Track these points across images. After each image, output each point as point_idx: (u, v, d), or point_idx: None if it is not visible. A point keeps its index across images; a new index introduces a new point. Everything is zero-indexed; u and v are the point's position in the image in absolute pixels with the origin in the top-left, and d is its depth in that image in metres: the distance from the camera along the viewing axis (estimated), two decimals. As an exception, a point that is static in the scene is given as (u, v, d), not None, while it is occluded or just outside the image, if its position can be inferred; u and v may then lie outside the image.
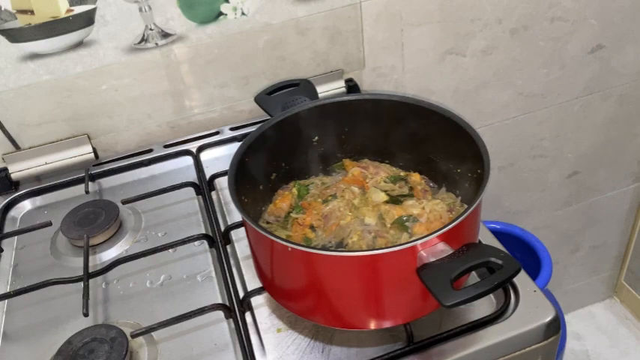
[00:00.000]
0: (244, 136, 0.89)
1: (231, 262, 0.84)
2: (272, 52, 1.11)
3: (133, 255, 0.85)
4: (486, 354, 0.70)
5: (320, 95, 0.91)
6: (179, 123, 1.14)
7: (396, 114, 0.82)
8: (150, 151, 1.10)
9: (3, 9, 0.93)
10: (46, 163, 1.07)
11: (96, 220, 0.92)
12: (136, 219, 0.96)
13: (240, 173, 0.73)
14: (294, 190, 0.85)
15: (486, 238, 0.84)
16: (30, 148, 1.06)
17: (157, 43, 1.03)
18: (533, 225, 1.66)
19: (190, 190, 0.98)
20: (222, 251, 0.85)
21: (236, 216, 0.91)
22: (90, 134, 1.09)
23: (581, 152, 1.58)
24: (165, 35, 1.03)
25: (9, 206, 1.03)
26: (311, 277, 0.65)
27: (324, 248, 0.75)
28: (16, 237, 0.96)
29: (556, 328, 0.72)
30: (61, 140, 1.07)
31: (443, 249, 0.59)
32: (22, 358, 0.77)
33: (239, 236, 0.87)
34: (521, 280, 0.76)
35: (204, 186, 0.98)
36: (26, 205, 1.04)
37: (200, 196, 0.98)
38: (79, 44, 0.99)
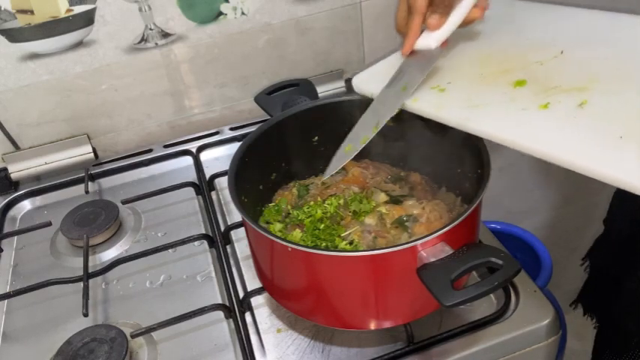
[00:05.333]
0: (244, 136, 0.89)
1: (231, 262, 0.84)
2: (272, 52, 1.11)
3: (133, 255, 0.85)
4: (486, 354, 0.70)
5: (320, 95, 0.91)
6: (179, 123, 1.14)
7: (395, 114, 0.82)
8: (150, 151, 1.10)
9: (3, 9, 0.92)
10: (45, 163, 1.07)
11: (96, 220, 0.92)
12: (135, 219, 0.96)
13: (240, 173, 0.73)
14: (294, 190, 0.85)
15: (486, 238, 0.84)
16: (30, 148, 1.06)
17: (156, 43, 1.03)
18: (533, 225, 1.66)
19: (190, 190, 0.98)
20: (222, 251, 0.85)
21: (236, 216, 0.91)
22: (90, 134, 1.08)
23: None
24: (165, 35, 1.03)
25: (9, 206, 1.03)
26: (311, 277, 0.65)
27: (324, 248, 0.75)
28: (15, 237, 0.96)
29: (556, 328, 0.72)
30: (61, 140, 1.07)
31: (443, 249, 0.59)
32: (22, 358, 0.77)
33: (239, 236, 0.87)
34: (522, 280, 0.76)
35: (204, 186, 0.98)
36: (26, 205, 1.04)
37: (200, 196, 0.98)
38: (79, 44, 0.99)
